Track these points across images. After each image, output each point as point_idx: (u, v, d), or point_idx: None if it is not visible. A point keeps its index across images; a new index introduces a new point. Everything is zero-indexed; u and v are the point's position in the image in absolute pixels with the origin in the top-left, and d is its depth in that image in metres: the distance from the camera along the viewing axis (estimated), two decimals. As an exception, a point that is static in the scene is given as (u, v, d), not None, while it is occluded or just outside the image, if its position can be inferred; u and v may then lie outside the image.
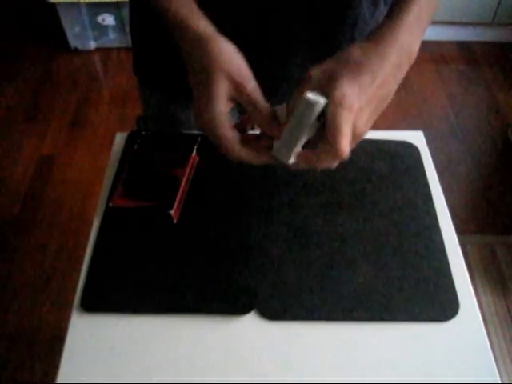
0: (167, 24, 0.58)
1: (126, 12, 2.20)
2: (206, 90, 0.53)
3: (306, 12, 0.67)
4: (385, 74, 0.51)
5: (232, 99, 0.54)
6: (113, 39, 2.36)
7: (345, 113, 0.49)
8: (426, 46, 2.58)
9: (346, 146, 0.50)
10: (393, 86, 0.53)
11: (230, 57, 0.54)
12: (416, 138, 0.76)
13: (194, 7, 0.57)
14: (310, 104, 0.50)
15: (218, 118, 0.53)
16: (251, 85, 0.53)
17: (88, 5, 2.20)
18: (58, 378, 0.52)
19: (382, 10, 0.73)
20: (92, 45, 2.37)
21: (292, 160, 0.54)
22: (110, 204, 0.64)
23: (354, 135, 0.51)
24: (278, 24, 0.68)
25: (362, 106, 0.50)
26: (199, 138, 0.70)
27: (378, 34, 0.53)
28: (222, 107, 0.53)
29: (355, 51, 0.52)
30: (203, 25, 0.55)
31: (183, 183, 0.65)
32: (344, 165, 0.71)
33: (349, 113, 0.49)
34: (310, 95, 0.50)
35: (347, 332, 0.56)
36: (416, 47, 0.55)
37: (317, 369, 0.53)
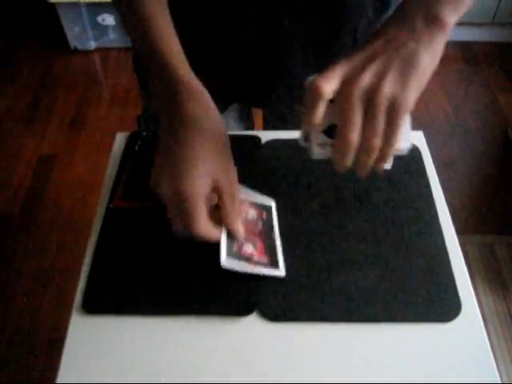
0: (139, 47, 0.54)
1: (125, 12, 2.20)
2: (190, 158, 0.50)
3: (305, 15, 0.67)
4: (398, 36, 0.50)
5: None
6: (113, 39, 2.36)
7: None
8: (426, 46, 2.49)
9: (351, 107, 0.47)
10: (415, 47, 0.51)
11: (220, 132, 0.52)
12: (416, 137, 0.76)
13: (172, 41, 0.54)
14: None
15: (198, 197, 0.50)
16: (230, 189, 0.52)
17: (88, 5, 2.20)
18: (57, 378, 0.52)
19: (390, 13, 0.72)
20: (92, 45, 2.37)
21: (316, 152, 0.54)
22: (111, 205, 0.64)
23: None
24: (277, 27, 0.68)
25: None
26: (200, 139, 0.70)
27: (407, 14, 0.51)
28: (205, 188, 0.50)
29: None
30: (189, 73, 0.53)
31: (184, 184, 0.65)
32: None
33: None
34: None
35: (349, 333, 0.56)
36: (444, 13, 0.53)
37: (318, 369, 0.53)
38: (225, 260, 0.55)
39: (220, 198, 0.53)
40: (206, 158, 0.50)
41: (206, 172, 0.50)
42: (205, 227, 0.51)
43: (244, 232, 0.57)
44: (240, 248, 0.59)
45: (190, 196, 0.49)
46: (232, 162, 0.54)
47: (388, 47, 0.49)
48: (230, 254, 0.56)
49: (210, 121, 0.52)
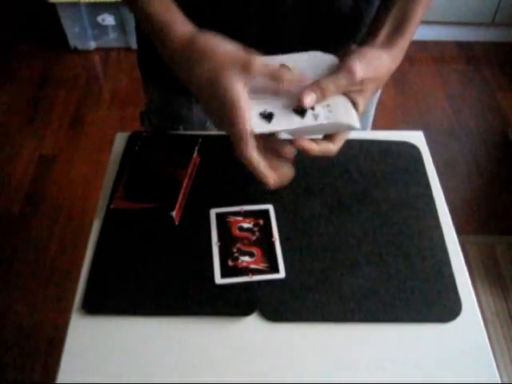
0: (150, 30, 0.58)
1: (126, 12, 2.20)
2: (221, 98, 0.53)
3: (306, 19, 0.67)
4: (386, 71, 0.60)
5: (247, 80, 0.54)
6: (113, 39, 2.36)
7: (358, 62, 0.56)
8: (426, 45, 2.57)
9: (360, 71, 0.55)
10: (383, 82, 0.61)
11: (218, 47, 0.54)
12: (416, 137, 0.76)
13: (172, 11, 0.57)
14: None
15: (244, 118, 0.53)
16: (256, 59, 0.53)
17: (88, 5, 2.20)
18: (58, 378, 0.52)
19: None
20: (92, 45, 2.37)
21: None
22: (112, 206, 0.64)
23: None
24: (280, 30, 0.68)
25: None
26: (200, 140, 0.70)
27: (390, 44, 0.61)
28: (244, 105, 0.53)
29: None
30: (184, 24, 0.56)
31: (184, 184, 0.65)
32: (345, 165, 0.71)
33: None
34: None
35: (349, 333, 0.56)
36: None
37: (318, 369, 0.53)
38: (219, 279, 0.58)
39: (252, 71, 0.54)
40: (222, 65, 0.53)
41: (231, 79, 0.53)
42: (249, 152, 0.54)
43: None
44: (236, 261, 0.60)
45: (237, 131, 0.53)
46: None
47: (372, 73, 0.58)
48: (224, 271, 0.59)
49: (220, 45, 0.55)
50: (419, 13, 0.62)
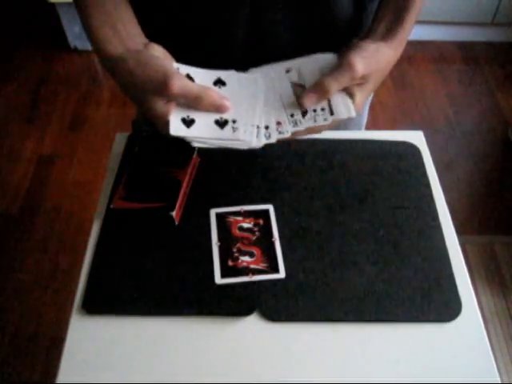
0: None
1: (125, 12, 2.20)
2: (146, 110, 0.56)
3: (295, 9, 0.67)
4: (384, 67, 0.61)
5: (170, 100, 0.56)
6: (113, 39, 2.36)
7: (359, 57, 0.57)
8: (425, 45, 2.57)
9: (361, 66, 0.57)
10: (385, 74, 0.63)
11: (140, 67, 0.55)
12: (416, 137, 0.76)
13: (112, 19, 0.60)
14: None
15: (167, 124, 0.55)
16: (174, 81, 0.54)
17: (88, 5, 2.20)
18: (58, 378, 0.52)
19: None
20: (92, 45, 2.37)
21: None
22: (112, 206, 0.64)
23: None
24: (269, 22, 0.68)
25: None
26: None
27: (389, 37, 0.62)
28: (165, 114, 0.55)
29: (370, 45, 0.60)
30: (114, 45, 0.58)
31: (184, 184, 0.65)
32: (345, 165, 0.71)
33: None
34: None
35: (349, 333, 0.56)
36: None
37: (319, 369, 0.53)
38: (219, 280, 0.58)
39: (171, 94, 0.55)
40: (140, 86, 0.56)
41: (150, 99, 0.55)
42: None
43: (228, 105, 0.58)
44: (236, 261, 0.60)
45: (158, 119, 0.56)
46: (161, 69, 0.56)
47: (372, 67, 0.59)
48: (224, 271, 0.59)
49: (144, 64, 0.56)
50: (418, 3, 0.63)
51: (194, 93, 0.55)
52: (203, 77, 0.60)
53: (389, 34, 0.62)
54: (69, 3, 2.17)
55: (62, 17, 2.24)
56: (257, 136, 0.57)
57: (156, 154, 0.69)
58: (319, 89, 0.57)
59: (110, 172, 0.70)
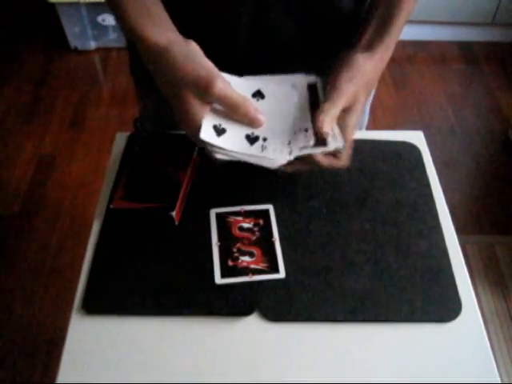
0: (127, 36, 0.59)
1: (125, 12, 2.20)
2: (180, 106, 0.55)
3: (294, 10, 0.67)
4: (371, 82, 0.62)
5: (207, 102, 0.55)
6: (113, 39, 2.36)
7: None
8: (425, 45, 2.57)
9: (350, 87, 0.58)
10: (374, 83, 0.64)
11: (187, 61, 0.54)
12: (416, 137, 0.76)
13: (150, 13, 0.58)
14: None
15: (198, 128, 0.54)
16: (218, 83, 0.53)
17: (88, 5, 2.20)
18: (58, 378, 0.52)
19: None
20: (92, 45, 2.37)
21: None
22: (112, 206, 0.64)
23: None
24: (269, 23, 0.68)
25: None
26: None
27: (373, 46, 0.63)
28: (199, 116, 0.54)
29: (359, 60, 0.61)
30: (158, 34, 0.57)
31: (184, 184, 0.65)
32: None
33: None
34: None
35: (349, 333, 0.56)
36: None
37: (318, 369, 0.53)
38: (219, 280, 0.58)
39: (210, 95, 0.54)
40: (182, 80, 0.54)
41: (188, 94, 0.54)
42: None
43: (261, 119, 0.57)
44: (236, 261, 0.60)
45: (195, 133, 0.55)
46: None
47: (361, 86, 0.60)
48: (224, 271, 0.59)
49: (189, 59, 0.55)
50: (405, 10, 0.63)
51: (233, 100, 0.55)
52: (243, 86, 0.59)
53: (372, 45, 0.62)
54: (69, 3, 2.17)
55: (62, 17, 2.24)
56: (282, 153, 0.57)
57: (156, 154, 0.69)
58: (328, 117, 0.57)
59: (110, 172, 0.70)
